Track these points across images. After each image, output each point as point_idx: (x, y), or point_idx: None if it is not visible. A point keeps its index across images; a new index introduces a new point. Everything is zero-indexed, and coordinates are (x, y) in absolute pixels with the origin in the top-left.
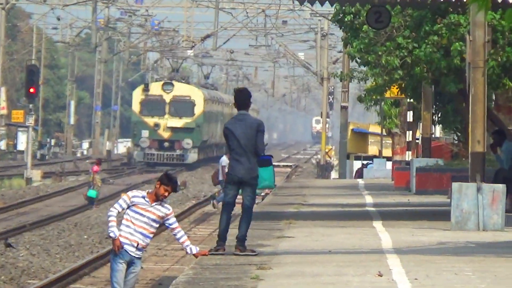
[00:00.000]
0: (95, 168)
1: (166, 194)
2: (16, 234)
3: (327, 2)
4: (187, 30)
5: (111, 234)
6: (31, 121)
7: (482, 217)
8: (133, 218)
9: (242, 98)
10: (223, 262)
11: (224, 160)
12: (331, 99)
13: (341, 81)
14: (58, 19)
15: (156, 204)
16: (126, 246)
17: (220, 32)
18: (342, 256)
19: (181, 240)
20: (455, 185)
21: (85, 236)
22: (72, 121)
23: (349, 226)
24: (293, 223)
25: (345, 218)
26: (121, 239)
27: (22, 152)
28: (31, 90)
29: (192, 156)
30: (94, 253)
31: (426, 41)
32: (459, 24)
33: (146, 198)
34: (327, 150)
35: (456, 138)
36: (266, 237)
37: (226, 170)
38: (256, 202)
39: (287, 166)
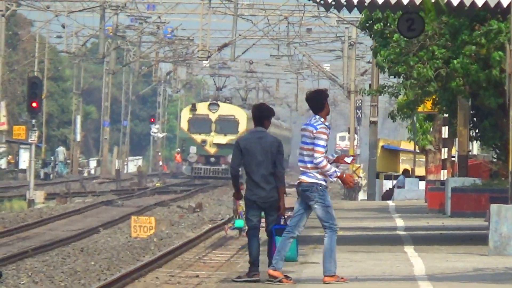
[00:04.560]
0: None
1: None
2: (17, 260)
3: (355, 8)
4: (203, 39)
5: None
6: (34, 137)
7: None
8: None
9: (265, 113)
10: None
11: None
12: (359, 114)
13: (368, 95)
14: (63, 27)
15: None
16: None
17: (238, 41)
18: (371, 283)
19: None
20: (493, 207)
21: (92, 262)
22: (78, 137)
23: (378, 252)
24: (318, 247)
25: (374, 242)
26: None
27: (24, 171)
28: (34, 104)
29: None
30: (102, 281)
31: (462, 51)
32: (499, 31)
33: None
34: (354, 169)
35: (495, 156)
36: (289, 263)
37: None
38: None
39: None
